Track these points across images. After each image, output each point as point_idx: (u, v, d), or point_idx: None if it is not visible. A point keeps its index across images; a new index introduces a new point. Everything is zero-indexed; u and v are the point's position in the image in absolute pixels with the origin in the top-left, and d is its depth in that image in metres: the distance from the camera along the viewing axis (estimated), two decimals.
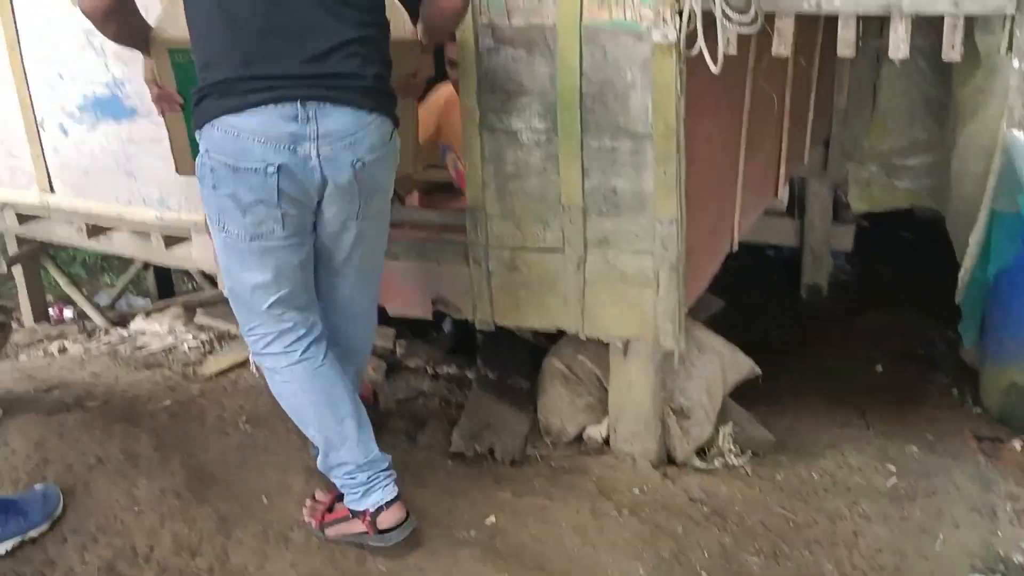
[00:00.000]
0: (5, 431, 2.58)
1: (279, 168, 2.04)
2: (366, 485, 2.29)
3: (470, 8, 2.45)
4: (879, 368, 4.20)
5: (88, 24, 2.99)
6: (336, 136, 2.07)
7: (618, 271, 2.60)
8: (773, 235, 5.24)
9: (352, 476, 2.30)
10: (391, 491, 2.29)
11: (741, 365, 3.17)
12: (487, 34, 2.50)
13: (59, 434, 2.59)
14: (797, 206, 5.19)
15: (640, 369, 2.74)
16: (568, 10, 2.37)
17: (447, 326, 3.78)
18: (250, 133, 2.03)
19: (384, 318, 3.04)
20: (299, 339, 2.27)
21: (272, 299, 2.21)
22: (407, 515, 2.29)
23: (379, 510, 2.27)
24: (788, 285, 5.39)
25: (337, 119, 2.06)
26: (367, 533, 2.28)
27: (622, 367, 2.76)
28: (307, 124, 2.04)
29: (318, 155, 2.06)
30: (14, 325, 4.21)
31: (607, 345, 2.76)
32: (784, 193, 4.58)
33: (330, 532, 2.34)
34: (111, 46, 3.02)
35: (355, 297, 2.39)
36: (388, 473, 2.32)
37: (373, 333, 2.57)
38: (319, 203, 2.15)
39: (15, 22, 3.19)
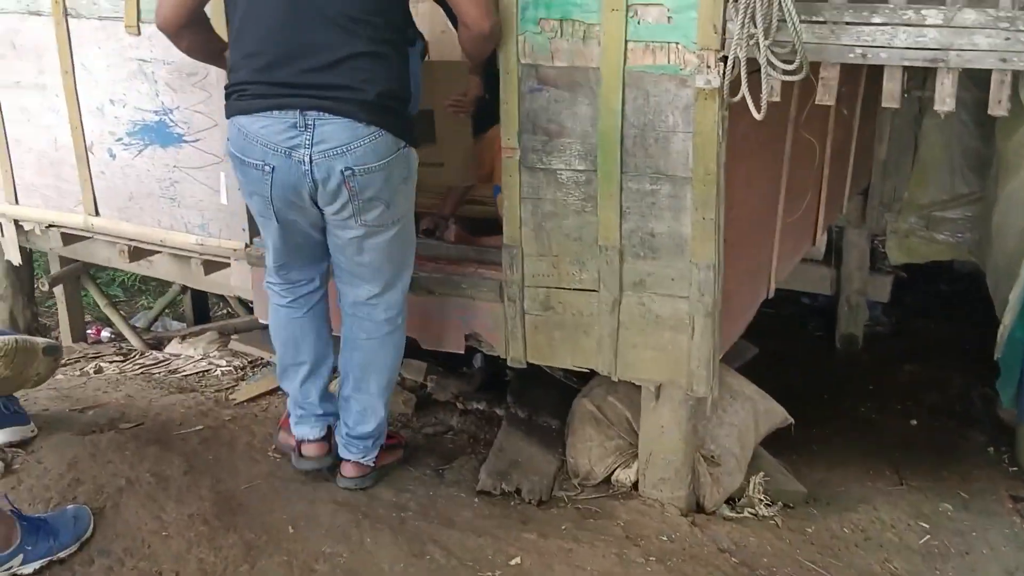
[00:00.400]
0: (39, 449, 2.61)
1: (274, 169, 2.30)
2: (296, 417, 2.73)
3: (514, 48, 2.49)
4: (914, 422, 4.14)
5: (140, 52, 3.09)
6: (329, 145, 2.24)
7: (653, 314, 2.59)
8: (809, 283, 5.19)
9: (290, 404, 2.76)
10: (315, 432, 2.70)
11: (774, 414, 3.13)
12: (530, 75, 2.52)
13: (92, 454, 2.61)
14: (834, 255, 5.15)
15: (672, 414, 2.71)
16: (612, 53, 2.39)
17: (477, 361, 3.78)
18: (254, 135, 2.29)
19: (416, 351, 3.06)
20: (289, 290, 2.65)
21: (277, 263, 2.59)
22: (327, 454, 2.71)
23: (302, 441, 2.71)
24: (823, 334, 5.34)
25: (332, 129, 2.24)
26: (295, 451, 2.74)
27: (654, 411, 2.74)
28: (304, 132, 2.24)
29: (311, 161, 2.26)
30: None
31: (639, 388, 2.74)
32: (822, 241, 4.55)
33: (280, 436, 2.84)
34: (162, 74, 3.11)
35: (370, 300, 2.58)
36: (321, 417, 2.71)
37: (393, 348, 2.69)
38: (316, 203, 2.36)
39: (71, 49, 3.27)
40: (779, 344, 4.67)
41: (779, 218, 3.17)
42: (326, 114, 2.23)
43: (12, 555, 2.11)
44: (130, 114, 3.23)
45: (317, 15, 2.23)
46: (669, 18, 2.31)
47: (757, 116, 2.15)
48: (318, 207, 2.38)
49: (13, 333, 1.92)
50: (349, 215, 2.37)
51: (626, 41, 2.37)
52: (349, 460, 2.71)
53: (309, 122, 2.23)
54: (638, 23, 2.35)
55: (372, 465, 2.73)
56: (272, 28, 2.26)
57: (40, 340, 1.94)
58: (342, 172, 2.26)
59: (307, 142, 2.24)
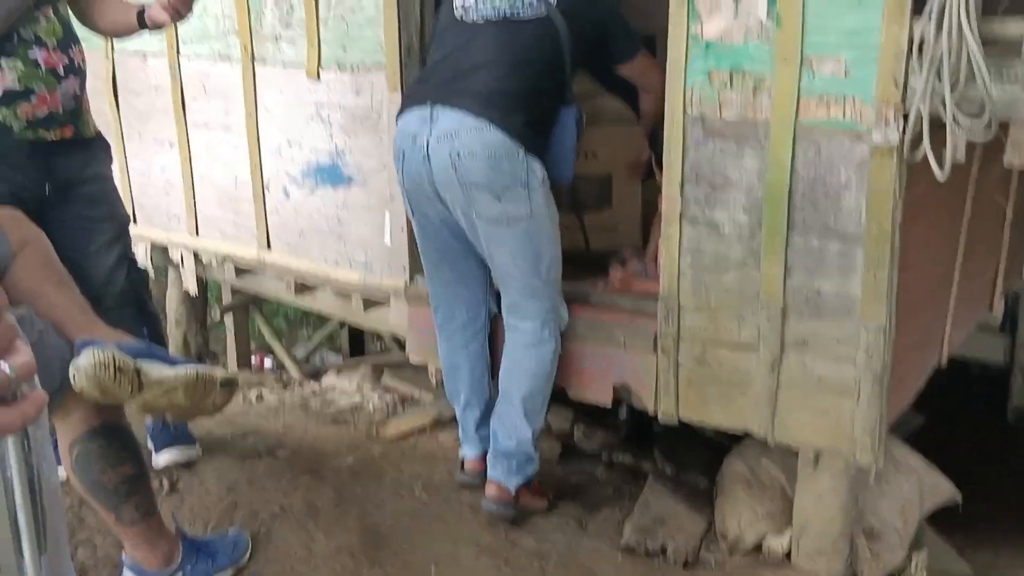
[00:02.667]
0: (202, 471, 2.74)
1: (403, 153, 2.62)
2: (460, 434, 2.99)
3: (680, 99, 2.48)
4: None
5: (318, 97, 3.25)
6: (443, 130, 2.53)
7: (816, 376, 2.48)
8: (980, 351, 4.88)
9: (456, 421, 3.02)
10: (472, 452, 2.93)
11: (940, 489, 2.93)
12: (696, 126, 2.49)
13: (249, 480, 2.72)
14: (1009, 322, 4.82)
15: (831, 483, 2.58)
16: (784, 106, 2.33)
17: (623, 413, 3.72)
18: (401, 127, 2.66)
19: (562, 399, 3.04)
20: (445, 320, 2.89)
21: (428, 276, 2.88)
22: (479, 476, 2.87)
23: (463, 460, 2.97)
24: (994, 406, 4.99)
25: (449, 118, 2.54)
26: (459, 466, 3.00)
27: (811, 478, 2.61)
28: (428, 122, 2.56)
29: (427, 144, 2.55)
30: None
31: (796, 453, 2.62)
32: (998, 308, 4.26)
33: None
34: (337, 117, 3.25)
35: (513, 307, 2.76)
36: (478, 441, 2.91)
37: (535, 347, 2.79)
38: (438, 193, 2.60)
39: (255, 92, 3.47)
40: (946, 414, 4.39)
41: (955, 282, 2.99)
42: (447, 107, 2.55)
43: (172, 573, 2.21)
44: (305, 155, 3.40)
45: (476, 49, 2.61)
46: (846, 71, 2.23)
47: (940, 176, 2.04)
48: (437, 201, 2.64)
49: (193, 363, 2.01)
50: (463, 202, 2.57)
51: (799, 93, 2.31)
52: (493, 480, 2.78)
53: (435, 114, 2.56)
54: (812, 76, 2.28)
55: (513, 494, 2.76)
56: (448, 54, 2.67)
57: (219, 372, 2.02)
58: (449, 155, 2.52)
59: (429, 129, 2.56)
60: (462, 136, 2.52)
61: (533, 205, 2.60)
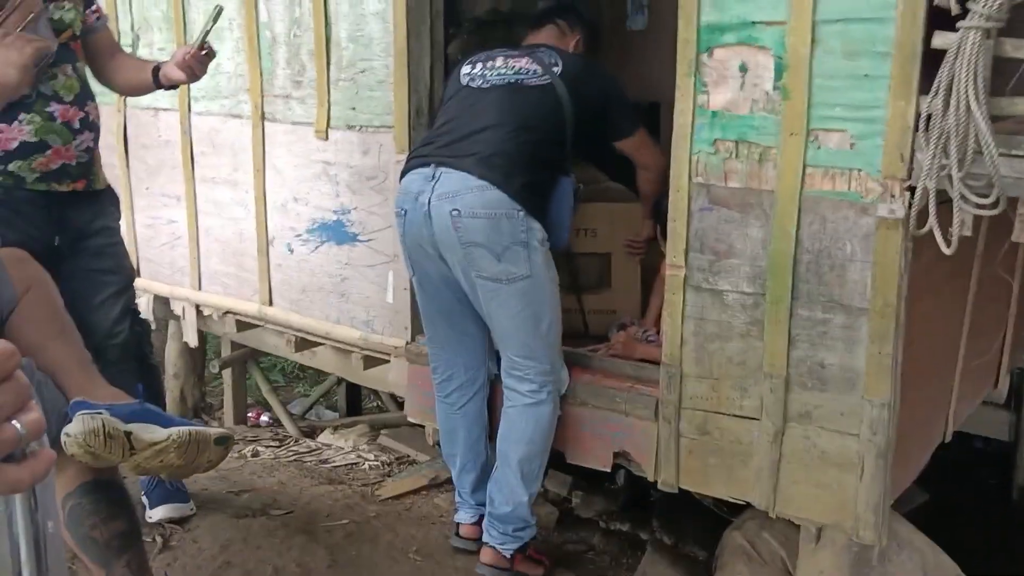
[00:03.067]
0: (196, 528, 2.69)
1: (405, 211, 2.67)
2: (456, 498, 2.97)
3: (686, 167, 2.49)
4: None
5: (325, 155, 3.28)
6: (445, 190, 2.57)
7: (818, 450, 2.44)
8: (985, 427, 4.81)
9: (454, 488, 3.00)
10: (467, 517, 2.92)
11: (944, 568, 2.87)
12: (701, 194, 2.50)
13: (244, 538, 2.67)
14: (1014, 398, 4.77)
15: (833, 559, 2.53)
16: (789, 177, 2.34)
17: (620, 478, 3.67)
18: (404, 186, 2.70)
19: (560, 463, 3.00)
20: (443, 381, 2.88)
21: (428, 334, 2.89)
22: (478, 538, 2.83)
23: (458, 524, 2.95)
24: (998, 484, 4.92)
25: (451, 179, 2.58)
26: (454, 531, 2.98)
27: (813, 554, 2.56)
28: (431, 181, 2.60)
29: (428, 203, 2.59)
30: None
31: (797, 526, 2.58)
32: (1004, 384, 4.23)
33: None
34: (344, 176, 3.27)
35: (511, 366, 2.74)
36: (474, 506, 2.89)
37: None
38: (439, 252, 2.63)
39: (264, 149, 3.50)
40: (949, 491, 4.32)
41: (960, 357, 2.97)
42: (450, 168, 2.59)
43: None
44: (311, 212, 3.41)
45: (480, 113, 2.67)
46: (852, 144, 2.25)
47: (946, 251, 2.04)
48: (438, 261, 2.67)
49: (188, 423, 2.01)
50: (463, 261, 2.60)
51: (804, 165, 2.32)
52: (488, 545, 2.75)
53: (437, 174, 2.60)
54: (818, 147, 2.30)
55: (508, 559, 2.74)
56: (451, 120, 2.72)
57: (213, 431, 2.02)
58: (450, 213, 2.56)
59: (431, 188, 2.60)
60: (463, 196, 2.56)
61: (532, 265, 2.61)
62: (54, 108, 2.51)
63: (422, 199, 2.62)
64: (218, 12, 2.66)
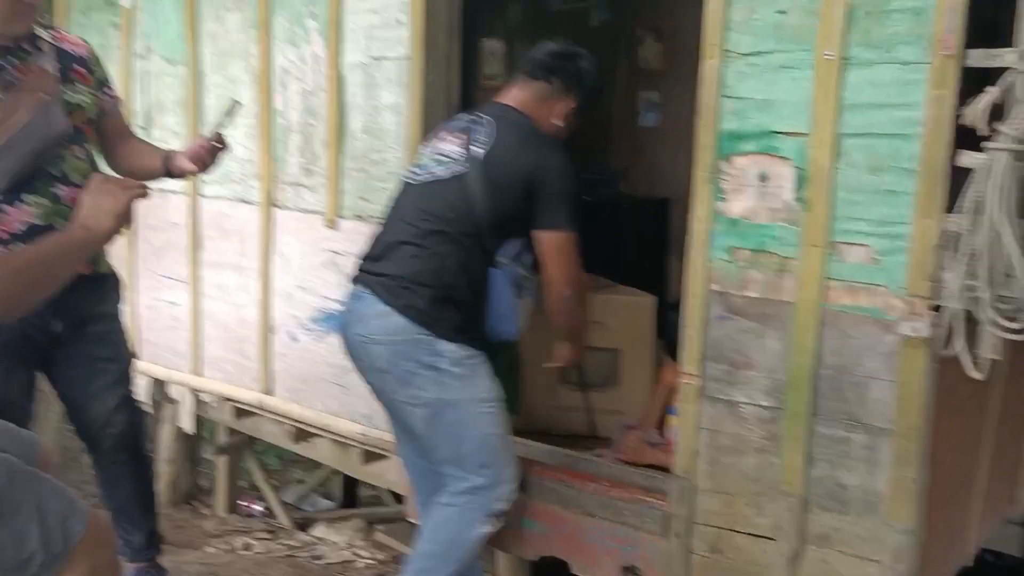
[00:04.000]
0: None
1: (343, 334, 2.67)
2: None
3: (701, 274, 2.43)
4: None
5: (334, 244, 3.24)
6: (357, 315, 2.58)
7: (837, 574, 2.33)
8: (996, 540, 4.66)
9: None
10: None
11: None
12: (718, 302, 2.44)
13: None
14: None
15: None
16: (809, 289, 2.28)
17: None
18: (345, 297, 2.71)
19: (564, 574, 2.87)
20: (416, 488, 2.84)
21: (396, 444, 2.87)
22: None
23: None
24: None
25: (363, 303, 2.56)
26: None
27: None
28: (354, 301, 2.60)
29: (348, 324, 2.62)
30: (206, 511, 4.32)
31: None
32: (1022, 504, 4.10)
33: None
34: (351, 266, 3.21)
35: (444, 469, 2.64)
36: None
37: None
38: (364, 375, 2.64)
39: (272, 236, 3.46)
40: None
41: (983, 479, 2.86)
42: (365, 290, 2.57)
43: None
44: (316, 301, 3.35)
45: (402, 218, 2.60)
46: (875, 259, 2.19)
47: (975, 375, 1.96)
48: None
49: None
50: (377, 382, 2.62)
51: (825, 278, 2.26)
52: None
53: (359, 294, 2.58)
54: (840, 261, 2.24)
55: None
56: (383, 227, 2.67)
57: None
58: (358, 337, 2.57)
59: (351, 310, 2.62)
60: (368, 322, 2.55)
61: (444, 388, 2.50)
62: (60, 190, 2.47)
63: (345, 319, 2.64)
64: (234, 107, 2.65)
